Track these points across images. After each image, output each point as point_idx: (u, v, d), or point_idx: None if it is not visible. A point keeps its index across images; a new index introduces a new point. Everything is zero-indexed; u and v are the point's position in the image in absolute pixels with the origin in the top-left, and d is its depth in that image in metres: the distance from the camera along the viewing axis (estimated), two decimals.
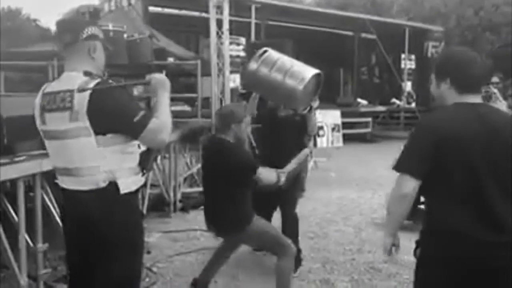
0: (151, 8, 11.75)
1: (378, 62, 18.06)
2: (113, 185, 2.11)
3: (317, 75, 3.56)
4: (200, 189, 4.99)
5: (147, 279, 3.93)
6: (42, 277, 3.45)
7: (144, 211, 5.21)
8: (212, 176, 3.30)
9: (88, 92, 2.04)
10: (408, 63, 16.67)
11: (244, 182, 3.19)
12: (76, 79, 2.12)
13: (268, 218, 4.17)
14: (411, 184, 1.97)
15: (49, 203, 3.60)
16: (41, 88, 2.26)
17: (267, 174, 3.21)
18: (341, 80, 18.59)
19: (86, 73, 2.16)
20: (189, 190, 6.73)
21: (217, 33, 7.21)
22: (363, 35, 15.97)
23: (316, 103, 3.75)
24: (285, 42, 6.65)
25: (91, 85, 2.07)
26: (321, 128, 9.53)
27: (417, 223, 2.41)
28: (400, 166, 2.02)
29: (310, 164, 8.64)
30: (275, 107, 4.06)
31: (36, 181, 3.39)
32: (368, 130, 14.86)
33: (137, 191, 2.25)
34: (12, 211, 3.32)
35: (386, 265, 4.22)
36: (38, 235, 3.42)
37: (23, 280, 3.27)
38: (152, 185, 6.02)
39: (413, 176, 1.98)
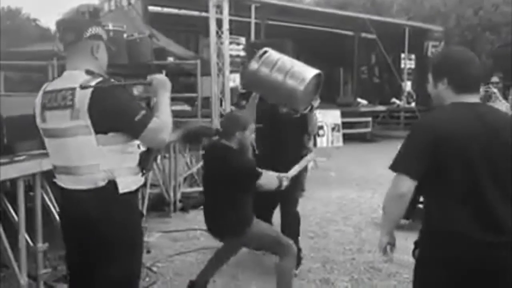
0: (151, 8, 11.75)
1: (378, 62, 18.06)
2: (112, 184, 2.11)
3: (317, 75, 3.56)
4: (200, 188, 5.00)
5: (147, 279, 3.93)
6: (42, 276, 3.45)
7: (144, 211, 5.21)
8: (213, 180, 3.30)
9: (89, 90, 2.05)
10: (408, 62, 16.69)
11: (245, 188, 3.20)
12: (78, 78, 2.12)
13: (269, 217, 4.17)
14: (408, 184, 1.96)
15: (49, 203, 3.59)
16: (42, 87, 2.26)
17: (268, 181, 3.22)
18: (341, 79, 18.60)
19: (88, 72, 2.16)
20: (189, 190, 6.73)
21: (217, 32, 7.21)
22: (363, 34, 15.97)
23: (317, 103, 3.75)
24: (285, 42, 6.66)
25: (93, 83, 2.07)
26: (321, 127, 9.54)
27: (416, 222, 2.41)
28: (397, 166, 2.01)
29: (310, 163, 8.64)
30: (276, 103, 4.06)
31: (36, 181, 3.39)
32: (368, 129, 14.86)
33: (136, 191, 2.25)
34: (12, 210, 3.32)
35: (386, 265, 4.22)
36: (38, 235, 3.42)
37: (23, 279, 3.27)
38: (152, 185, 6.02)
39: (410, 176, 1.96)
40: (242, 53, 12.07)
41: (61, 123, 2.11)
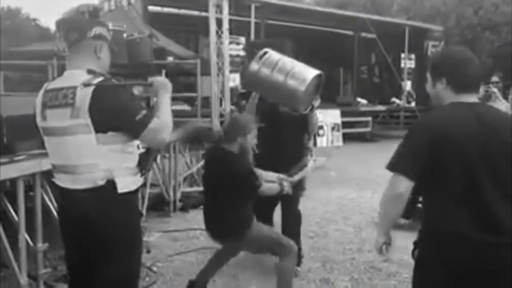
0: (151, 8, 11.76)
1: (378, 62, 18.07)
2: (111, 184, 2.11)
3: (318, 75, 3.57)
4: (200, 188, 4.99)
5: (147, 279, 3.93)
6: (42, 276, 3.45)
7: (144, 211, 5.21)
8: (213, 184, 3.30)
9: (90, 89, 2.05)
10: (408, 62, 16.70)
11: (245, 194, 3.20)
12: (79, 77, 2.13)
13: (269, 215, 4.17)
14: (405, 184, 1.95)
15: (49, 203, 3.59)
16: (43, 86, 2.26)
17: (269, 187, 3.22)
18: (341, 79, 18.61)
19: (90, 71, 2.16)
20: (189, 189, 6.73)
21: (217, 32, 7.21)
22: (363, 34, 15.97)
23: (317, 102, 3.76)
24: (284, 42, 6.66)
25: (94, 82, 2.08)
26: (321, 127, 9.54)
27: (416, 222, 2.40)
28: (394, 166, 2.00)
29: (310, 163, 8.63)
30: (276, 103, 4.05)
31: (36, 181, 3.39)
32: (368, 129, 14.86)
33: (136, 190, 2.25)
34: (12, 210, 3.32)
35: (386, 264, 4.22)
36: (38, 235, 3.42)
37: (23, 279, 3.27)
38: (152, 185, 6.01)
39: (407, 176, 1.95)
40: (242, 53, 12.08)
41: (61, 122, 2.11)
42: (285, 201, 4.06)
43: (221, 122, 7.07)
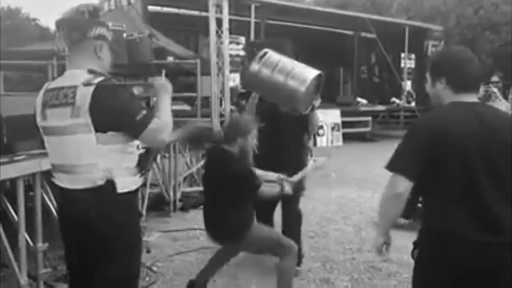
0: (151, 7, 11.76)
1: (378, 61, 18.07)
2: (110, 184, 2.11)
3: (318, 76, 3.57)
4: (200, 188, 4.99)
5: (147, 278, 3.93)
6: (42, 276, 3.45)
7: (144, 211, 5.21)
8: (213, 185, 3.29)
9: (91, 89, 2.05)
10: (408, 62, 16.69)
11: (244, 195, 3.20)
12: (80, 76, 2.13)
13: (270, 215, 4.17)
14: (404, 184, 1.94)
15: (49, 203, 3.59)
16: (44, 86, 2.26)
17: (269, 190, 3.22)
18: (341, 79, 18.62)
19: (91, 71, 2.17)
20: (189, 189, 6.72)
21: (217, 32, 7.21)
22: (363, 34, 15.97)
23: (318, 102, 3.76)
24: (284, 41, 6.65)
25: (95, 81, 2.08)
26: (321, 127, 9.55)
27: (416, 222, 2.40)
28: (393, 166, 1.99)
29: (310, 163, 8.64)
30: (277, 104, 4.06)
31: (36, 180, 3.39)
32: (368, 129, 14.86)
33: (136, 191, 2.26)
34: (12, 210, 3.32)
35: (386, 264, 4.22)
36: (38, 235, 3.42)
37: (23, 279, 3.27)
38: (152, 185, 6.01)
39: (406, 176, 1.94)
40: (242, 53, 12.06)
41: (61, 121, 2.12)
42: (285, 200, 4.06)
43: (221, 122, 7.08)
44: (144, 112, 2.12)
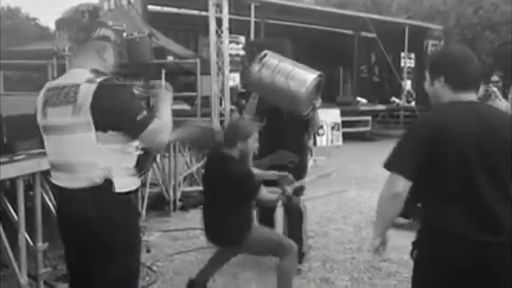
0: (150, 7, 11.76)
1: (378, 61, 18.07)
2: (108, 183, 2.11)
3: (318, 76, 3.58)
4: (200, 188, 4.98)
5: (147, 278, 3.93)
6: (42, 276, 3.45)
7: (144, 210, 5.21)
8: (213, 188, 3.29)
9: (93, 87, 2.06)
10: (408, 61, 16.69)
11: (243, 198, 3.19)
12: (82, 75, 2.14)
13: (270, 216, 4.17)
14: (402, 184, 1.93)
15: (48, 202, 3.59)
16: (45, 85, 2.27)
17: (268, 195, 3.22)
18: (340, 78, 18.63)
19: (93, 71, 2.17)
20: (189, 189, 6.72)
21: (217, 31, 7.21)
22: (363, 33, 15.98)
23: (318, 102, 3.76)
24: (284, 41, 6.64)
25: (97, 80, 2.09)
26: (320, 126, 9.54)
27: (416, 221, 2.40)
28: (391, 165, 1.98)
29: (310, 163, 8.64)
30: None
31: (36, 180, 3.39)
32: (368, 128, 14.86)
33: (135, 191, 2.26)
34: (12, 210, 3.32)
35: (386, 264, 4.22)
36: (38, 234, 3.42)
37: (23, 279, 3.27)
38: (152, 184, 6.01)
39: (404, 175, 1.93)
40: (242, 52, 12.06)
41: (61, 119, 2.12)
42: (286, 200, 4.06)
43: (221, 122, 7.08)
44: (145, 112, 2.13)
